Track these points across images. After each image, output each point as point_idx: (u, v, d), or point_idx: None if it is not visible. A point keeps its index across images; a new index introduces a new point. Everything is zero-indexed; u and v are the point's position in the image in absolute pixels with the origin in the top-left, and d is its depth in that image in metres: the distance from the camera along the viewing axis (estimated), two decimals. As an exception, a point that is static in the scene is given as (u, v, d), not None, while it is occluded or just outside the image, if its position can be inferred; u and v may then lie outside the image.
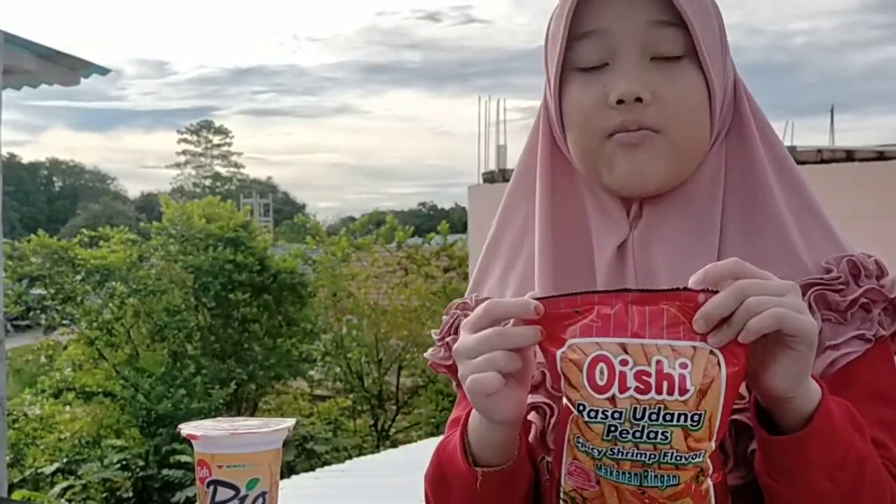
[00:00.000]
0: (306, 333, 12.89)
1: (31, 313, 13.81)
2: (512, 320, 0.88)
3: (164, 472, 10.53)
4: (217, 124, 64.49)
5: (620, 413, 0.82)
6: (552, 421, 0.98)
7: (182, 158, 61.57)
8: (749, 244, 0.99)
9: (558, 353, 0.86)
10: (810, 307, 0.94)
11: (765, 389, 0.86)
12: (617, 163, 0.98)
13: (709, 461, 0.84)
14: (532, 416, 1.00)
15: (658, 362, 0.82)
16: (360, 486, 5.29)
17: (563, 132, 1.04)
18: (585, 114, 1.00)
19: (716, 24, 1.01)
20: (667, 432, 0.82)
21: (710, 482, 0.84)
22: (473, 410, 0.95)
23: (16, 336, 15.21)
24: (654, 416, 0.82)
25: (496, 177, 7.31)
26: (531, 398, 1.00)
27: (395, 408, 12.84)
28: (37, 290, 12.66)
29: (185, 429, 0.90)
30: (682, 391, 0.81)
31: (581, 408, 0.84)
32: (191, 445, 0.90)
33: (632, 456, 0.83)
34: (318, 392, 13.39)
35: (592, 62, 0.99)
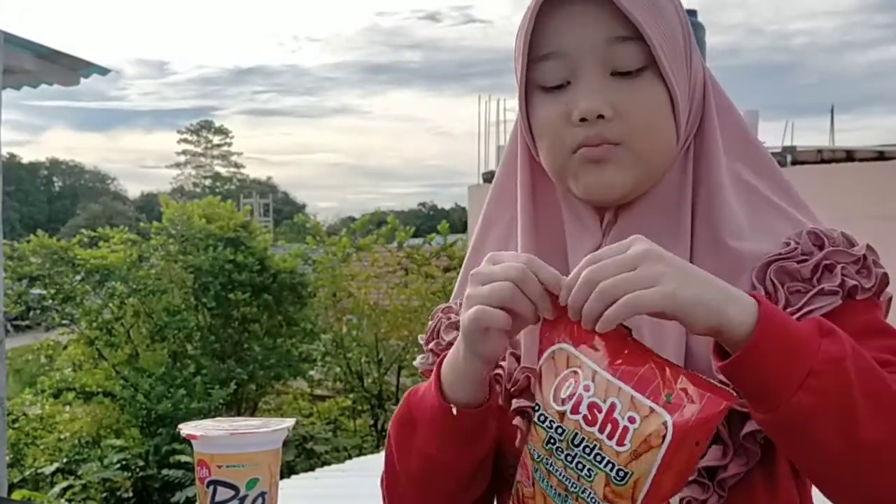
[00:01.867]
0: (306, 333, 12.88)
1: (31, 313, 13.82)
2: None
3: (164, 472, 10.53)
4: (217, 124, 64.67)
5: (563, 431, 0.84)
6: None
7: (182, 158, 61.66)
8: (715, 246, 1.00)
9: (552, 347, 0.87)
10: (773, 283, 0.96)
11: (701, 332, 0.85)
12: (583, 176, 1.01)
13: None
14: (517, 420, 1.00)
15: (612, 404, 0.82)
16: (359, 486, 5.28)
17: (535, 145, 1.06)
18: (551, 131, 1.02)
19: (679, 32, 1.02)
20: (593, 471, 0.82)
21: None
22: (452, 350, 0.98)
23: (16, 336, 15.21)
24: (587, 450, 0.82)
25: (496, 177, 7.32)
26: (516, 402, 1.01)
27: (395, 408, 12.77)
28: (37, 290, 12.65)
29: (185, 429, 0.90)
30: (620, 442, 0.81)
31: (537, 407, 0.86)
32: (191, 445, 0.90)
33: (559, 475, 0.85)
34: (317, 392, 13.39)
35: (554, 81, 1.01)
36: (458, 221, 17.92)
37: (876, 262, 0.99)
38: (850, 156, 6.28)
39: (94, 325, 12.09)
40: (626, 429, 0.81)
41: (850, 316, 0.94)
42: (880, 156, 6.22)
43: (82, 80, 5.16)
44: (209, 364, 11.90)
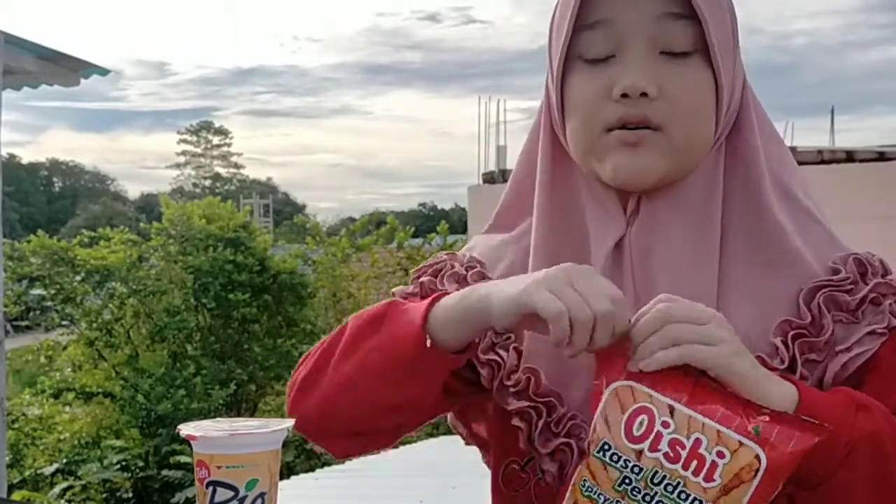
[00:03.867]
0: (306, 334, 12.88)
1: (31, 314, 13.83)
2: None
3: (164, 472, 10.52)
4: (217, 125, 64.51)
5: (641, 469, 0.81)
6: (539, 423, 0.98)
7: (182, 159, 61.56)
8: (752, 245, 0.98)
9: (615, 384, 0.84)
10: (819, 309, 0.94)
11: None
12: (614, 158, 0.97)
13: None
14: (516, 420, 0.99)
15: (697, 440, 0.80)
16: (360, 487, 5.28)
17: (564, 123, 1.02)
18: (587, 105, 0.97)
19: (728, 21, 0.99)
20: None
21: None
22: (463, 295, 0.94)
23: (16, 336, 15.20)
24: (670, 488, 0.80)
25: (496, 177, 7.30)
26: (515, 404, 0.99)
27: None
28: (36, 291, 12.66)
29: (185, 429, 0.90)
30: (708, 479, 0.79)
31: (606, 447, 0.82)
32: (190, 446, 0.90)
33: None
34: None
35: (598, 53, 0.96)
36: (458, 222, 17.92)
37: None
38: (850, 156, 6.27)
39: (94, 325, 12.09)
40: (714, 464, 0.79)
41: (889, 352, 0.94)
42: (881, 156, 6.22)
43: (82, 80, 5.16)
44: (209, 364, 11.90)
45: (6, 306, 6.21)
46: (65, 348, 12.75)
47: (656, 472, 0.80)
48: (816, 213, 1.02)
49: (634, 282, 0.98)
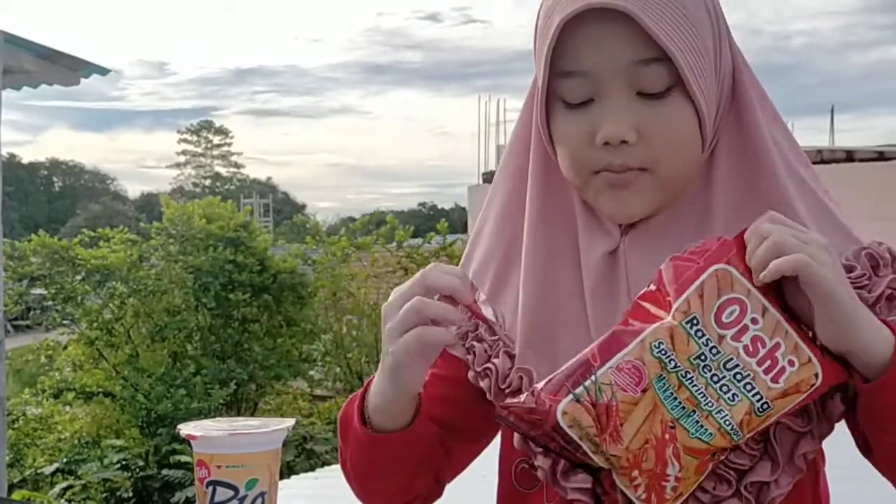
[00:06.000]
0: (306, 334, 12.88)
1: (31, 313, 13.83)
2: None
3: (164, 472, 10.52)
4: (217, 124, 64.65)
5: (719, 353, 0.85)
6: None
7: (182, 158, 61.60)
8: None
9: (718, 265, 0.87)
10: None
11: (830, 344, 0.87)
12: (603, 199, 0.99)
13: (729, 448, 0.88)
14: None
15: (777, 344, 0.86)
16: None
17: (554, 151, 1.03)
18: (573, 149, 0.98)
19: (709, 38, 0.97)
20: (738, 397, 0.85)
21: (711, 466, 0.88)
22: (376, 377, 1.02)
23: (16, 336, 15.21)
24: (738, 377, 0.85)
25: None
26: (510, 402, 1.00)
27: (395, 408, 12.83)
28: (37, 290, 12.66)
29: (185, 429, 0.90)
30: (775, 380, 0.85)
31: (695, 321, 0.86)
32: (190, 446, 0.90)
33: (696, 391, 0.86)
34: (318, 392, 13.38)
35: (577, 99, 0.97)
36: (457, 221, 17.92)
37: None
38: (850, 156, 6.28)
39: (95, 325, 12.09)
40: (783, 369, 0.85)
41: None
42: (880, 156, 6.22)
43: (82, 80, 5.15)
44: (209, 364, 11.90)
45: (6, 306, 6.21)
46: (65, 348, 12.75)
47: (731, 359, 0.85)
48: (828, 199, 1.01)
49: (630, 287, 0.98)
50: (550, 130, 1.02)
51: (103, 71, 5.32)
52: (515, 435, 1.01)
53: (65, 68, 5.00)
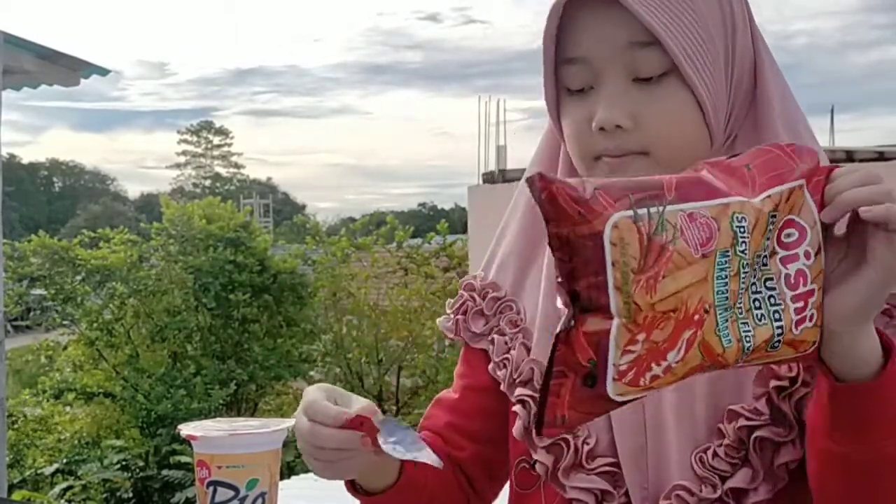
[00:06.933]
0: (306, 334, 12.89)
1: (32, 314, 13.83)
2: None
3: (164, 472, 10.52)
4: (217, 125, 64.54)
5: (765, 266, 0.80)
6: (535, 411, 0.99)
7: (182, 159, 61.55)
8: None
9: (796, 182, 0.80)
10: None
11: (831, 315, 0.82)
12: None
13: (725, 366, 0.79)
14: (517, 408, 1.02)
15: (811, 290, 0.80)
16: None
17: (565, 142, 1.04)
18: (575, 136, 0.99)
19: (715, 30, 0.96)
20: (764, 319, 0.78)
21: (738, 364, 0.79)
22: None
23: (16, 336, 15.21)
24: (772, 301, 0.79)
25: (496, 177, 7.28)
26: (520, 391, 1.02)
27: (395, 408, 12.83)
28: (37, 291, 12.66)
29: (185, 429, 0.90)
30: (797, 324, 0.80)
31: (774, 218, 0.79)
32: (191, 446, 0.90)
33: (744, 289, 0.78)
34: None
35: (578, 85, 0.98)
36: (458, 222, 17.89)
37: None
38: (849, 156, 6.27)
39: (95, 325, 12.09)
40: (804, 318, 0.80)
41: None
42: (880, 156, 6.22)
43: (82, 80, 5.15)
44: (209, 364, 11.90)
45: (6, 306, 6.21)
46: (65, 348, 12.76)
47: (772, 278, 0.79)
48: None
49: None
50: (561, 120, 1.02)
51: (103, 71, 5.31)
52: (516, 426, 1.02)
53: (65, 69, 4.99)
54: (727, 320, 0.75)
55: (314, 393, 0.93)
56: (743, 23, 0.99)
